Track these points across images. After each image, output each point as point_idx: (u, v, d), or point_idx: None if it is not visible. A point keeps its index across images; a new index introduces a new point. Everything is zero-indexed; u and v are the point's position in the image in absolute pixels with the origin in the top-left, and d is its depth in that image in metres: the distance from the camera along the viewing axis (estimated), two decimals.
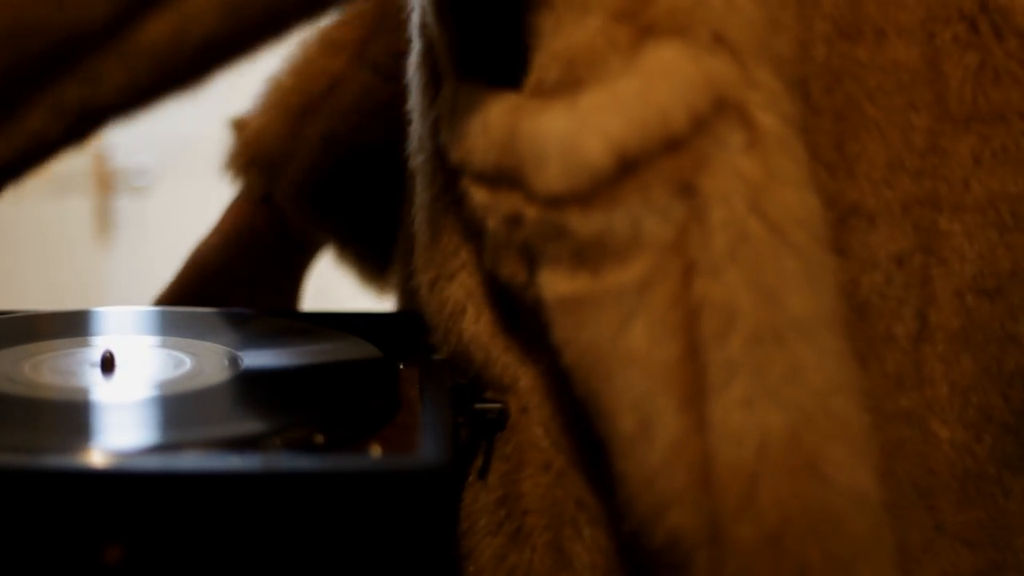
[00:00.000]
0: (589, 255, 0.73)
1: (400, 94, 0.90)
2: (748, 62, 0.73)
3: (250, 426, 0.73)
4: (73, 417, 0.76)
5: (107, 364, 0.82)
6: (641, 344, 0.72)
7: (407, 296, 1.10)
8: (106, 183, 2.28)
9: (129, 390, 0.80)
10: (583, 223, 0.72)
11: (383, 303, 1.23)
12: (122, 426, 0.75)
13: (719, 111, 0.72)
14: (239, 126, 1.16)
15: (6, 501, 0.66)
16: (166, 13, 0.66)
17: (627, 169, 0.72)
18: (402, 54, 0.89)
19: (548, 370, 0.80)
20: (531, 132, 0.74)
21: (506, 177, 0.75)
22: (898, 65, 0.80)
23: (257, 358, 0.84)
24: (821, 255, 0.72)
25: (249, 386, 0.80)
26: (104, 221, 2.31)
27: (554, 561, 0.79)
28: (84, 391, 0.80)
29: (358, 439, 0.75)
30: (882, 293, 0.80)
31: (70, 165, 2.16)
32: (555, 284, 0.74)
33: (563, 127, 0.73)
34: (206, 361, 0.83)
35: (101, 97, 0.68)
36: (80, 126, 0.69)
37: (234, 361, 0.83)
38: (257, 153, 1.14)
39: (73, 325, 0.92)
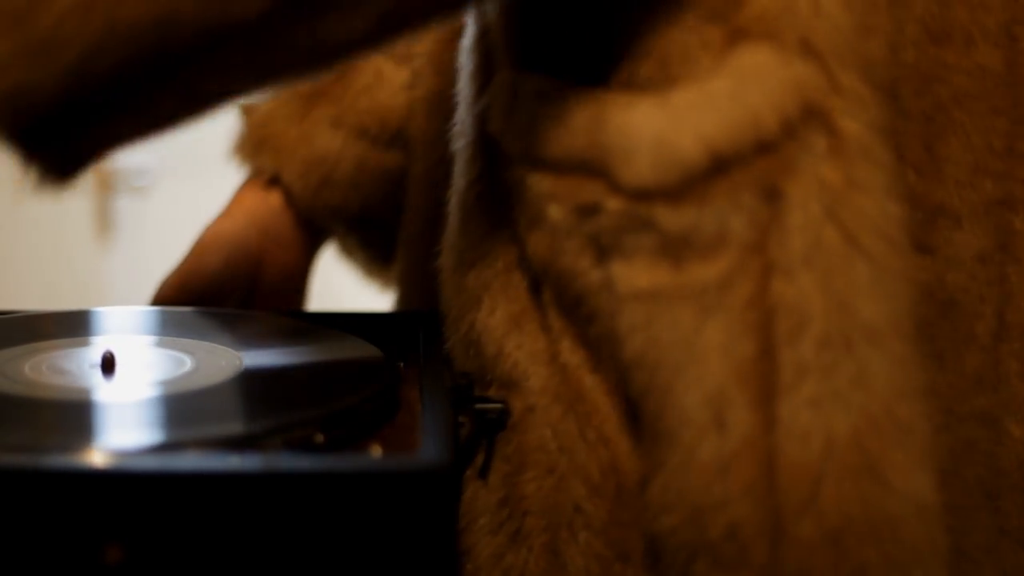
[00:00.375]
0: (672, 249, 0.75)
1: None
2: (834, 68, 0.74)
3: (250, 426, 0.73)
4: (73, 417, 0.76)
5: (107, 364, 0.82)
6: (719, 340, 0.74)
7: (408, 287, 1.10)
8: (106, 183, 2.28)
9: (129, 390, 0.80)
10: (671, 218, 0.74)
11: (384, 303, 1.23)
12: (122, 426, 0.75)
13: (806, 116, 0.74)
14: (248, 110, 1.16)
15: (6, 501, 0.66)
16: (317, 19, 0.69)
17: (719, 168, 0.74)
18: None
19: (563, 370, 0.81)
20: (620, 125, 0.75)
21: (586, 167, 0.77)
22: (983, 69, 0.80)
23: (257, 358, 0.84)
24: (895, 262, 0.74)
25: (249, 386, 0.80)
26: (104, 221, 2.31)
27: (549, 564, 0.80)
28: (84, 391, 0.80)
29: (358, 439, 0.75)
30: (966, 290, 0.81)
31: None
32: (632, 276, 0.76)
33: (656, 122, 0.74)
34: (206, 361, 0.83)
35: (232, 87, 0.73)
36: (205, 110, 0.73)
37: (234, 361, 0.83)
38: (266, 135, 1.14)
39: (73, 325, 0.92)
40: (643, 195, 0.75)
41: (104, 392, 0.80)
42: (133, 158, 2.32)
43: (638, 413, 0.78)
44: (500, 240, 0.83)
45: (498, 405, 0.83)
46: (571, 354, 0.80)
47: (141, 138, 0.74)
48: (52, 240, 2.34)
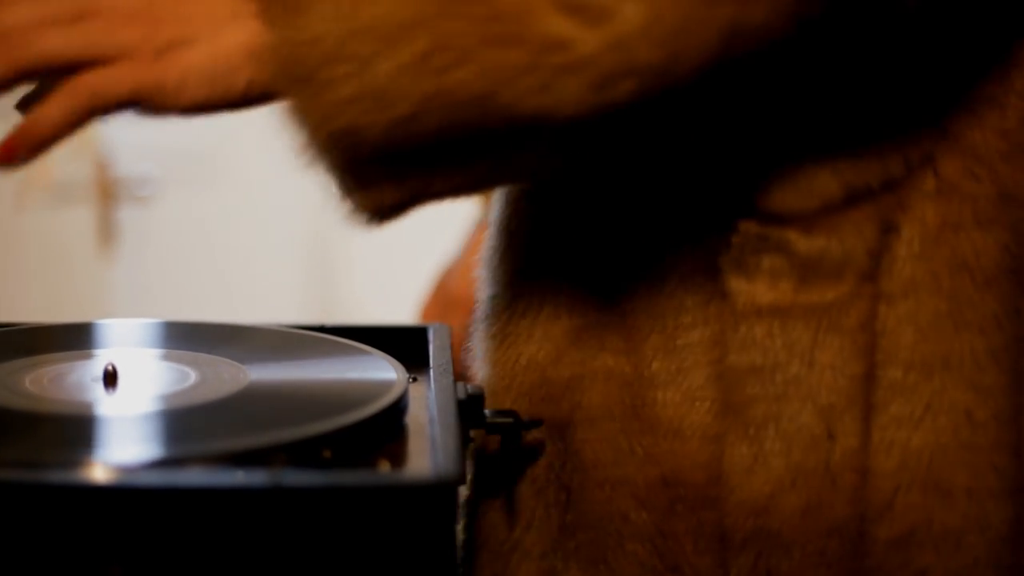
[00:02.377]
0: (799, 271, 0.85)
1: None
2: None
3: (256, 440, 0.73)
4: (75, 431, 0.76)
5: (110, 377, 0.82)
6: (833, 358, 0.84)
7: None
8: (108, 193, 2.29)
9: (132, 404, 0.80)
10: (804, 242, 0.85)
11: (397, 315, 1.23)
12: (125, 440, 0.75)
13: (923, 159, 0.85)
14: None
15: (6, 517, 0.66)
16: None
17: (850, 200, 0.84)
18: None
19: (621, 386, 0.88)
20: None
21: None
22: None
23: (263, 371, 0.84)
24: (976, 296, 0.84)
25: (255, 400, 0.80)
26: (106, 232, 2.31)
27: (599, 574, 0.88)
28: (86, 405, 0.80)
29: (366, 454, 0.75)
30: None
31: (71, 174, 2.17)
32: (754, 292, 0.86)
33: (796, 157, 0.85)
34: (211, 374, 0.83)
35: (543, 169, 0.85)
36: (520, 180, 0.87)
37: (239, 374, 0.83)
38: None
39: (75, 338, 0.92)
40: (778, 219, 0.85)
41: (106, 406, 0.80)
42: (136, 167, 2.32)
43: (741, 420, 0.85)
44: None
45: (509, 419, 0.83)
46: (634, 369, 0.88)
47: (454, 195, 0.82)
48: (54, 251, 2.34)
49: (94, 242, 2.28)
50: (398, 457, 0.76)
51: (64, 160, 2.01)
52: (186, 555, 0.67)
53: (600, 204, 0.90)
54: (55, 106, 0.77)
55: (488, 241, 0.94)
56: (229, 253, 2.89)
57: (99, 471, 0.69)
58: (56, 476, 0.68)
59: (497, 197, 0.94)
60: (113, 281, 2.49)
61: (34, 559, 0.66)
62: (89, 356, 0.88)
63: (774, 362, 0.85)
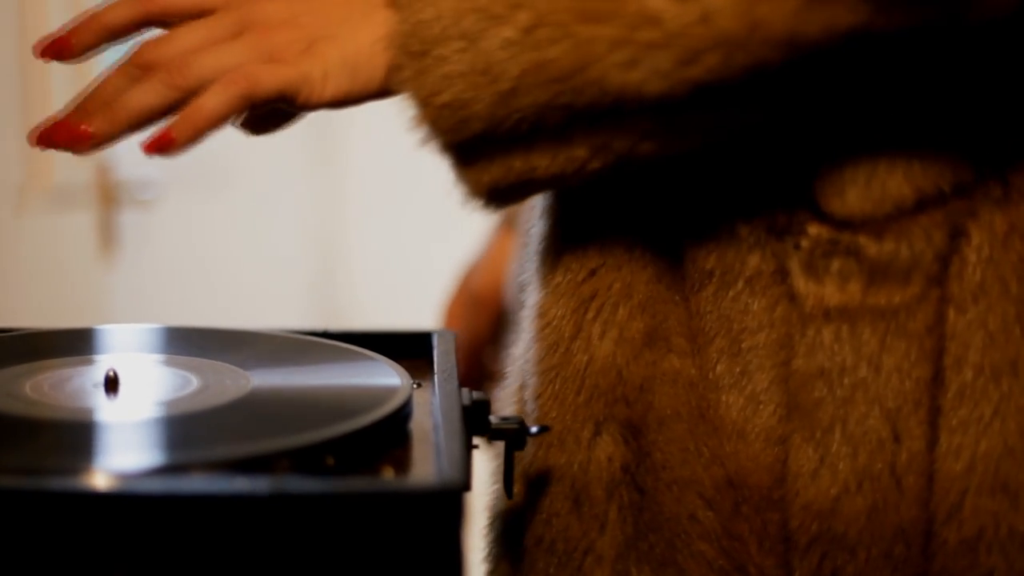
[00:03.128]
0: (868, 275, 0.88)
1: None
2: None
3: (258, 447, 0.73)
4: (76, 437, 0.76)
5: (111, 383, 0.82)
6: (900, 361, 0.88)
7: None
8: (109, 196, 2.28)
9: (133, 409, 0.80)
10: (874, 246, 0.88)
11: (406, 319, 1.23)
12: (126, 447, 0.75)
13: (993, 167, 0.88)
14: None
15: (7, 525, 0.66)
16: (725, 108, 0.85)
17: (921, 206, 0.87)
18: None
19: (688, 389, 0.91)
20: (832, 162, 0.89)
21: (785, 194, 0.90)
22: None
23: (266, 376, 0.84)
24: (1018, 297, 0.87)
25: (258, 406, 0.80)
26: (107, 236, 2.31)
27: (667, 574, 0.91)
28: (87, 411, 0.80)
29: (370, 461, 0.75)
30: None
31: (72, 178, 2.17)
32: (823, 295, 0.89)
33: (869, 160, 0.88)
34: (213, 380, 0.84)
35: (638, 151, 0.85)
36: (610, 167, 0.86)
37: (242, 380, 0.83)
38: None
39: (75, 343, 0.92)
40: (848, 224, 0.88)
41: (107, 412, 0.80)
42: (137, 170, 2.32)
43: (807, 423, 0.88)
44: (640, 255, 0.93)
45: (515, 425, 0.83)
46: (699, 371, 0.91)
47: (555, 182, 0.87)
48: (54, 255, 2.34)
49: (95, 246, 2.28)
50: (402, 464, 0.76)
51: (64, 163, 2.01)
52: (188, 563, 0.67)
53: (664, 204, 0.93)
54: (213, 97, 0.83)
55: (536, 244, 0.96)
56: (231, 257, 2.89)
57: (100, 478, 0.69)
58: (57, 483, 0.68)
59: (541, 201, 0.96)
60: (114, 286, 2.49)
61: (35, 567, 0.67)
62: (90, 362, 0.88)
63: (841, 365, 0.88)
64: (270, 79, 0.84)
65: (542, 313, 0.94)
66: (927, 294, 0.88)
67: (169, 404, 0.80)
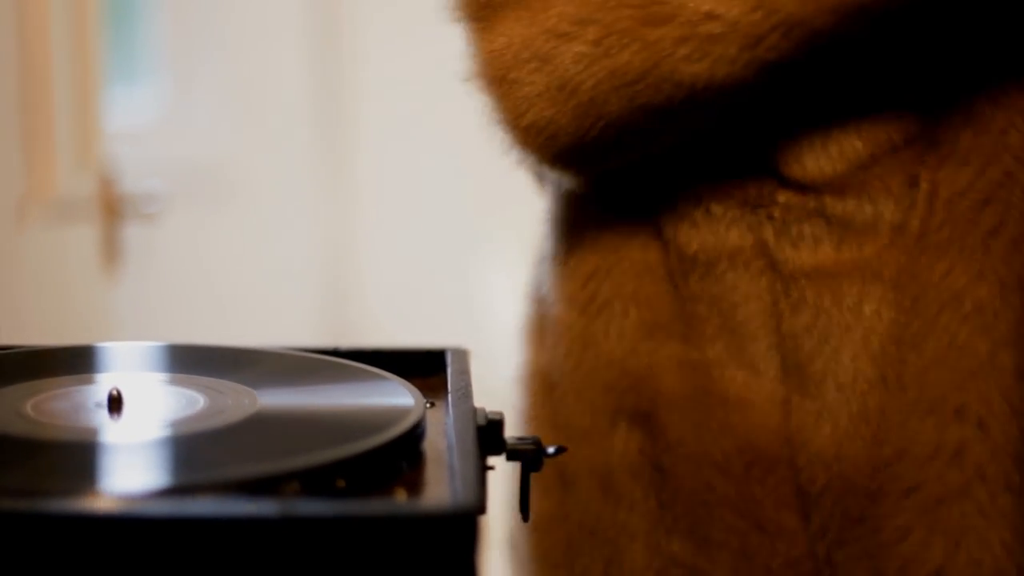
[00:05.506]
0: (837, 232, 0.99)
1: None
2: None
3: (266, 468, 0.73)
4: (78, 459, 0.76)
5: (114, 402, 0.82)
6: (879, 306, 0.99)
7: None
8: (113, 210, 2.29)
9: (137, 430, 0.80)
10: (838, 205, 0.99)
11: (421, 338, 1.23)
12: (130, 468, 0.76)
13: (938, 119, 0.98)
14: None
15: (7, 547, 0.66)
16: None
17: (875, 159, 0.98)
18: None
19: (694, 370, 1.01)
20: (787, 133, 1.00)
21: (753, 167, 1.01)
22: None
23: (274, 396, 0.84)
24: (991, 242, 0.98)
25: (266, 426, 0.80)
26: (111, 250, 2.31)
27: (696, 542, 1.01)
28: (90, 431, 0.80)
29: (382, 482, 0.75)
30: None
31: (74, 191, 2.17)
32: (799, 258, 0.99)
33: (822, 124, 0.99)
34: (220, 399, 0.84)
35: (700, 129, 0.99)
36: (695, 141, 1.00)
37: (249, 399, 0.83)
38: None
39: (78, 361, 0.92)
40: (812, 188, 0.99)
41: (111, 433, 0.80)
42: (142, 183, 2.33)
43: (801, 379, 0.99)
44: (632, 246, 1.03)
45: (531, 445, 0.83)
46: (700, 352, 1.00)
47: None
48: (55, 270, 2.35)
49: (98, 261, 2.28)
50: (415, 486, 0.76)
51: (67, 175, 2.02)
52: None
53: (645, 197, 1.03)
54: None
55: (546, 259, 1.08)
56: (239, 273, 2.90)
57: (103, 500, 0.69)
58: (59, 505, 0.68)
59: (551, 201, 1.08)
60: (118, 302, 2.49)
61: None
62: (93, 380, 0.88)
63: (826, 319, 0.99)
64: None
65: (558, 322, 1.04)
66: (894, 241, 0.99)
67: (174, 424, 0.80)
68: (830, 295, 0.99)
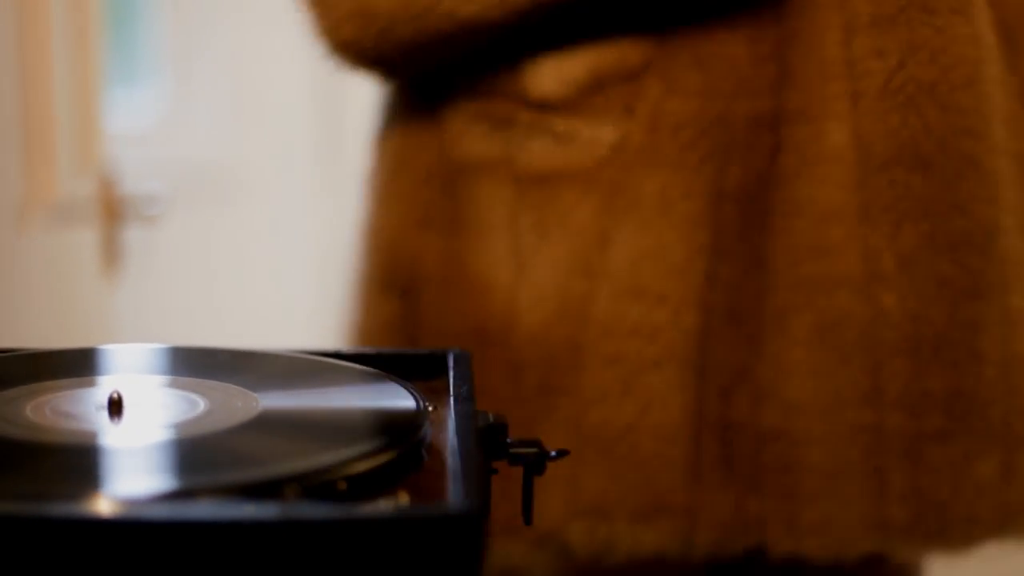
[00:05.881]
0: (562, 147, 1.20)
1: None
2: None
3: (268, 471, 0.73)
4: (78, 463, 0.76)
5: (115, 405, 0.82)
6: (593, 210, 1.20)
7: None
8: (113, 212, 2.29)
9: (138, 433, 0.80)
10: (562, 124, 1.20)
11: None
12: (131, 472, 0.76)
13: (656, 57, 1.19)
14: None
15: (7, 552, 0.66)
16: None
17: (598, 87, 1.20)
18: None
19: (449, 257, 1.26)
20: (529, 60, 1.22)
21: (504, 92, 1.24)
22: None
23: (276, 398, 0.84)
24: (681, 155, 1.19)
25: (267, 429, 0.80)
26: (111, 252, 2.31)
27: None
28: (90, 434, 0.80)
29: (384, 486, 0.75)
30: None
31: (75, 193, 2.17)
32: (532, 167, 1.21)
33: (556, 53, 1.21)
34: (221, 402, 0.84)
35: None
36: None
37: (251, 402, 0.83)
38: None
39: (78, 364, 0.92)
40: (545, 107, 1.20)
41: (111, 436, 0.80)
42: (143, 185, 2.33)
43: (521, 264, 1.22)
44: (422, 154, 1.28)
45: (533, 449, 0.83)
46: (458, 245, 1.24)
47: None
48: (55, 273, 2.35)
49: (99, 263, 2.28)
50: (418, 489, 0.76)
51: (67, 177, 2.02)
52: None
53: (435, 107, 1.26)
54: None
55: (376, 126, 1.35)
56: (240, 275, 2.90)
57: (104, 504, 0.69)
58: (59, 509, 0.68)
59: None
60: (119, 304, 2.49)
61: None
62: (93, 383, 0.88)
63: (546, 218, 1.20)
64: None
65: (360, 207, 1.36)
66: (611, 158, 1.19)
67: (175, 427, 0.80)
68: (551, 199, 1.20)
